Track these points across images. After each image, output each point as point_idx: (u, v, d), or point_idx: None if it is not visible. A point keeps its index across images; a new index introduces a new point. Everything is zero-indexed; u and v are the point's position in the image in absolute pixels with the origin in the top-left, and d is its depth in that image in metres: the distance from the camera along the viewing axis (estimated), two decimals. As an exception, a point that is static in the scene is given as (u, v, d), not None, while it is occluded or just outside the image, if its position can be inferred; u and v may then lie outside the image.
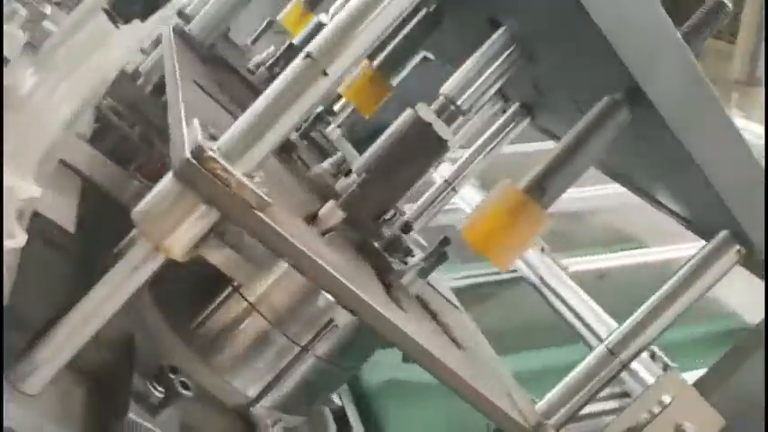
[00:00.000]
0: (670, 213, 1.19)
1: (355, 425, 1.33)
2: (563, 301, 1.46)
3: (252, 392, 1.04)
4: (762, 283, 1.03)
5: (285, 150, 1.19)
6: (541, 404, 1.03)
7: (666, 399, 0.99)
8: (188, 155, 0.71)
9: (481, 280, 1.59)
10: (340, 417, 1.33)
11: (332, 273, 0.81)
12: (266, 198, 0.74)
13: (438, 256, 1.10)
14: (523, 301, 1.57)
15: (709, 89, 0.84)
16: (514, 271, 1.61)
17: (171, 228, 0.74)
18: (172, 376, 0.85)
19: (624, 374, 1.14)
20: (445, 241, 1.11)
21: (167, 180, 0.74)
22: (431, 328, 1.06)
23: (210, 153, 0.71)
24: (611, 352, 1.02)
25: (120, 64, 0.68)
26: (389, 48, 1.37)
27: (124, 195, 0.86)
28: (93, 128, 1.10)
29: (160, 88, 1.41)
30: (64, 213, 0.78)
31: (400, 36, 1.37)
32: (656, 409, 1.00)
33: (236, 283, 1.02)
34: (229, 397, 1.03)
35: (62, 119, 0.66)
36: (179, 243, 0.74)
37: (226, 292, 1.04)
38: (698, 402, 1.00)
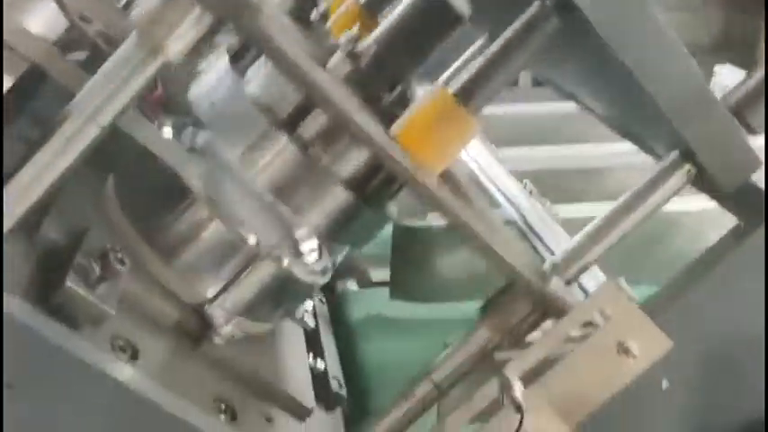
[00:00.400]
0: (629, 137, 1.18)
1: (327, 344, 1.36)
2: (546, 247, 1.46)
3: (210, 293, 1.09)
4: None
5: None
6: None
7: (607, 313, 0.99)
8: None
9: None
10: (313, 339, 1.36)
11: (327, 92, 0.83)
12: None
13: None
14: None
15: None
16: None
17: (169, 29, 0.78)
18: (113, 251, 0.89)
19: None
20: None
21: None
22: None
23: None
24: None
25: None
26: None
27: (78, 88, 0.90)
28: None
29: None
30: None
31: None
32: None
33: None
34: (187, 295, 1.08)
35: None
36: (176, 44, 0.78)
37: (189, 200, 1.09)
38: (641, 320, 1.00)
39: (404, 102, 1.09)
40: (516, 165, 1.81)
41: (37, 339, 0.84)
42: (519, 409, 0.99)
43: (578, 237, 1.04)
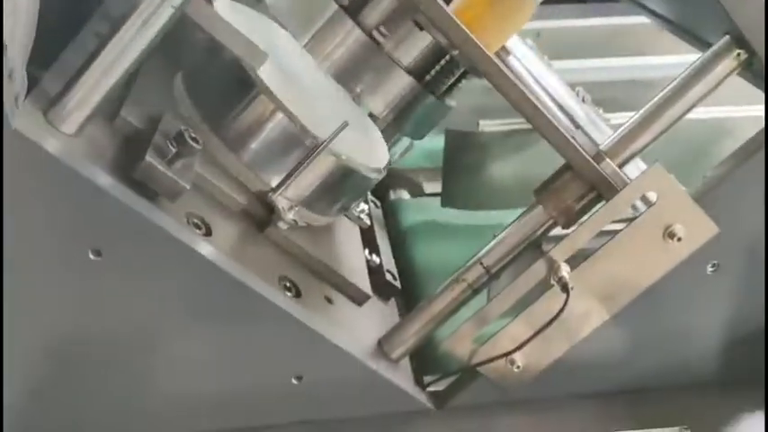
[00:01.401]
0: (672, 27, 1.19)
1: (381, 243, 1.43)
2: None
3: (274, 182, 1.16)
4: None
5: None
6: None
7: (652, 197, 1.03)
8: None
9: (521, 127, 1.64)
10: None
11: None
12: None
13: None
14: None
15: None
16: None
17: None
18: (186, 131, 0.96)
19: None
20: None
21: None
22: None
23: None
24: (605, 155, 1.05)
25: None
26: None
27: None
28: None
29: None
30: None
31: None
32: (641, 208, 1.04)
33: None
34: (253, 184, 1.16)
35: None
36: None
37: (253, 92, 1.15)
38: (688, 204, 1.03)
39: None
40: (567, 77, 1.81)
41: (122, 209, 0.92)
42: (565, 288, 1.04)
43: (628, 123, 1.06)
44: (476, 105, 1.69)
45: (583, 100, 1.61)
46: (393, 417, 1.16)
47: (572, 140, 1.01)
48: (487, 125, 1.62)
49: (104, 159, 0.95)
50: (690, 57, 1.99)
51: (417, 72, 1.15)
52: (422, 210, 1.72)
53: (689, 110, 1.04)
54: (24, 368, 0.98)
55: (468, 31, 0.94)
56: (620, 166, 1.05)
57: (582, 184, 1.04)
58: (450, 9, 0.95)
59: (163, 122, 1.01)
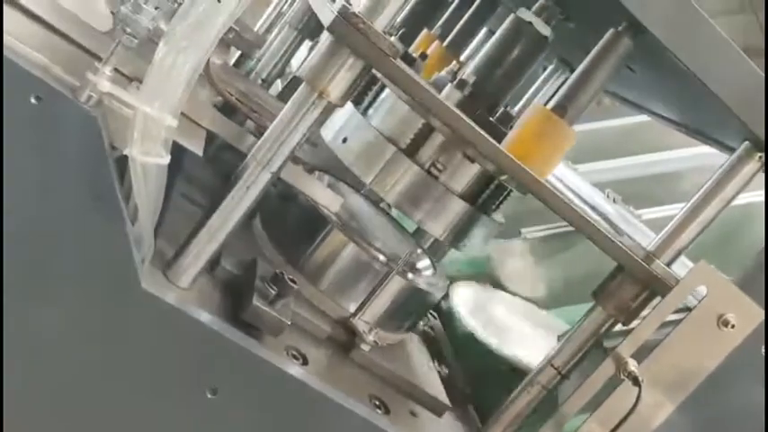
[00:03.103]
0: (689, 131, 1.33)
1: (447, 352, 1.53)
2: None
3: (352, 308, 1.28)
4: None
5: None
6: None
7: (702, 291, 1.13)
8: (336, 13, 0.94)
9: (560, 231, 1.76)
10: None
11: (459, 114, 1.04)
12: (398, 46, 0.97)
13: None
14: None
15: (696, 11, 1.01)
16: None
17: (330, 75, 0.98)
18: (282, 275, 1.09)
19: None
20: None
21: (322, 38, 0.99)
22: None
23: (353, 10, 0.94)
24: (654, 256, 1.17)
25: (223, 30, 0.93)
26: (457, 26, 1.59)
27: (242, 145, 1.12)
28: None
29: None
30: (194, 143, 1.05)
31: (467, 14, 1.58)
32: (692, 303, 1.14)
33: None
34: (334, 311, 1.27)
35: (186, 73, 0.92)
36: (337, 87, 0.98)
37: (326, 228, 1.29)
38: (735, 293, 1.13)
39: (506, 121, 1.27)
40: (592, 177, 1.96)
41: (235, 348, 1.03)
42: (636, 381, 1.13)
43: (669, 226, 1.18)
44: (513, 213, 1.83)
45: (614, 201, 1.74)
46: None
47: (623, 246, 1.13)
48: (530, 232, 1.75)
49: (214, 306, 1.07)
50: (704, 149, 2.13)
51: (470, 196, 1.29)
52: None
53: (723, 208, 1.16)
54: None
55: (520, 163, 1.07)
56: (669, 264, 1.16)
57: (635, 284, 1.15)
58: (502, 147, 1.09)
59: (260, 267, 1.13)
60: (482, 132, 1.06)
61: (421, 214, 1.26)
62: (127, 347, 1.00)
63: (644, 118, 2.49)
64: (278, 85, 1.90)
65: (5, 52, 0.88)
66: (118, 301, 0.98)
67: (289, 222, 1.35)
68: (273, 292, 1.09)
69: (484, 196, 1.31)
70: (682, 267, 1.24)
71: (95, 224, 0.93)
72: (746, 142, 1.13)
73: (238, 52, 1.87)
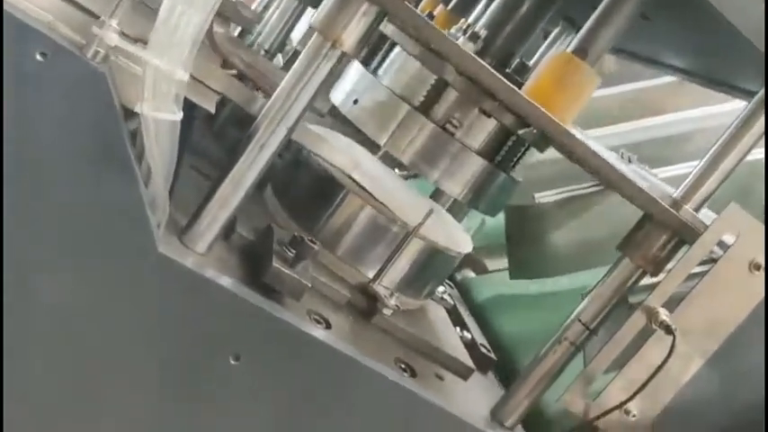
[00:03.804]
0: (713, 84, 1.30)
1: (467, 318, 1.50)
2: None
3: (371, 273, 1.25)
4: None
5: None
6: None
7: (730, 239, 1.10)
8: None
9: (575, 194, 1.73)
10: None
11: (479, 61, 1.01)
12: None
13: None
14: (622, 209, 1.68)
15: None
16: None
17: (344, 23, 0.95)
18: (301, 237, 1.06)
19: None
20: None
21: None
22: None
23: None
24: (680, 202, 1.14)
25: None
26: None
27: (253, 108, 1.09)
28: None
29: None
30: (206, 101, 1.02)
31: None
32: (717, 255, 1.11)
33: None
34: (353, 277, 1.24)
35: (192, 29, 0.89)
36: (351, 36, 0.95)
37: (342, 193, 1.25)
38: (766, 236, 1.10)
39: (523, 72, 1.24)
40: (603, 142, 1.92)
41: (257, 312, 1.00)
42: (669, 330, 1.10)
43: (694, 173, 1.15)
44: (526, 179, 1.80)
45: (629, 160, 1.70)
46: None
47: (650, 193, 1.09)
48: (543, 196, 1.71)
49: (232, 271, 1.04)
50: (710, 109, 2.10)
51: (487, 153, 1.26)
52: (492, 285, 1.80)
53: (748, 152, 1.13)
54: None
55: (544, 110, 1.04)
56: (696, 211, 1.13)
57: (663, 232, 1.12)
58: (525, 88, 1.06)
59: (277, 232, 1.10)
60: (503, 79, 1.02)
61: (438, 173, 1.22)
62: (145, 315, 0.97)
63: (647, 83, 2.48)
64: (279, 60, 1.87)
65: (7, 8, 0.84)
66: (134, 266, 0.95)
67: (301, 190, 1.31)
68: (292, 255, 1.06)
69: (502, 153, 1.28)
70: (704, 219, 1.22)
71: (108, 186, 0.90)
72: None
73: (239, 28, 1.84)
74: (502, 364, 1.46)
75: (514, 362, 1.47)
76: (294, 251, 1.06)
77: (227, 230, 1.11)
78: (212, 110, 1.02)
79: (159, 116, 0.87)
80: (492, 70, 1.02)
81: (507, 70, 1.22)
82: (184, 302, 0.98)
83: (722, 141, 1.15)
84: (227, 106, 1.58)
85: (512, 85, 1.03)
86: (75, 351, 0.95)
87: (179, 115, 0.90)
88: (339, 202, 1.25)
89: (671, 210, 1.09)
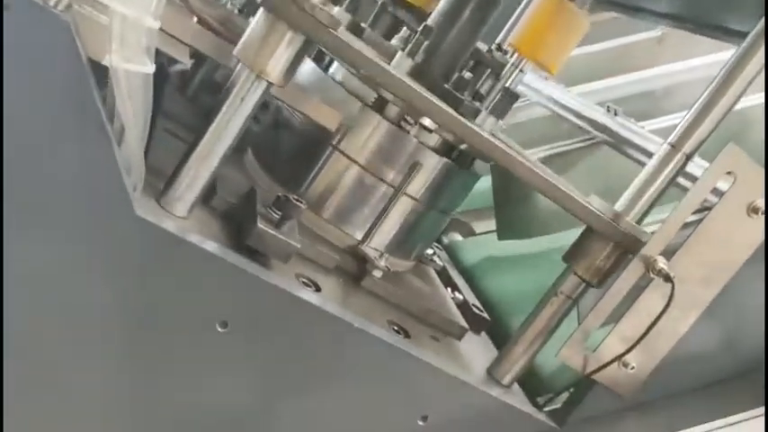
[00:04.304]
0: (704, 29, 1.27)
1: (458, 280, 1.47)
2: (643, 151, 1.54)
3: (359, 235, 1.20)
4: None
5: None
6: (618, 204, 1.14)
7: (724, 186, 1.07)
8: None
9: (566, 149, 1.70)
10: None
11: (406, 82, 0.95)
12: (336, 17, 0.89)
13: (511, 96, 1.22)
14: (609, 163, 1.66)
15: None
16: (591, 138, 1.71)
17: (268, 54, 0.90)
18: (286, 197, 1.01)
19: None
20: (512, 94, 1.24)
21: (258, 16, 0.90)
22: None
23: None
24: (674, 146, 1.11)
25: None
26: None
27: (229, 61, 1.03)
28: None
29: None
30: (179, 51, 0.96)
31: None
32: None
33: (334, 142, 1.19)
34: (340, 240, 1.20)
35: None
36: (277, 67, 0.90)
37: (327, 153, 1.20)
38: (764, 179, 1.07)
39: (462, 87, 1.22)
40: (587, 99, 1.89)
41: (242, 276, 0.95)
42: (668, 278, 1.07)
43: (685, 118, 1.11)
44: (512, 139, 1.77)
45: (615, 113, 1.68)
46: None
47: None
48: (530, 154, 1.68)
49: (214, 235, 0.99)
50: (692, 61, 2.07)
51: (444, 151, 1.23)
52: (479, 248, 1.76)
53: (744, 90, 1.09)
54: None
55: (472, 126, 1.02)
56: (691, 154, 1.10)
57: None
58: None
59: (259, 194, 1.05)
60: (436, 101, 0.99)
61: (392, 173, 1.19)
62: (124, 283, 0.92)
63: (630, 39, 2.44)
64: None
65: (-42, -45, 0.77)
66: (110, 231, 0.89)
67: (283, 152, 1.26)
68: (278, 216, 1.01)
69: (458, 150, 1.25)
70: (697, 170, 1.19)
71: (78, 145, 0.84)
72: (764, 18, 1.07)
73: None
74: (494, 327, 1.43)
75: (506, 323, 1.43)
76: (279, 212, 1.01)
77: (208, 194, 1.05)
78: (186, 61, 0.96)
79: (130, 68, 0.81)
80: (424, 93, 1.00)
81: (447, 84, 1.18)
82: (165, 269, 0.93)
83: (715, 84, 1.11)
84: (201, 70, 1.52)
85: (445, 107, 1.01)
86: (49, 320, 0.89)
87: (151, 68, 0.84)
88: (324, 161, 1.20)
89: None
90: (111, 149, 0.85)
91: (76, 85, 0.81)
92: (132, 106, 0.85)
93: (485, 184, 1.74)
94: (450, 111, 1.00)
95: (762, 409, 1.22)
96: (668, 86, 2.05)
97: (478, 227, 1.92)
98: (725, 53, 1.93)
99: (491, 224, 1.84)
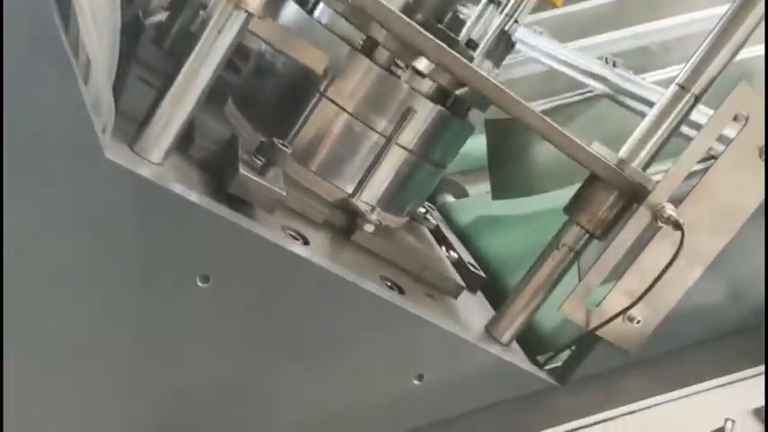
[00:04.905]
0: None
1: (452, 238, 1.41)
2: (643, 100, 1.49)
3: (349, 188, 1.13)
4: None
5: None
6: (622, 151, 1.08)
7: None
8: None
9: (562, 102, 1.64)
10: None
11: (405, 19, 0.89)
12: None
13: (507, 40, 1.15)
14: (608, 116, 1.60)
15: None
16: (590, 91, 1.65)
17: None
18: (270, 142, 0.94)
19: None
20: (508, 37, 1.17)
21: None
22: None
23: None
24: (683, 87, 1.04)
25: None
26: None
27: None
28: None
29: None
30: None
31: None
32: (732, 133, 1.02)
33: (321, 89, 1.11)
34: (329, 193, 1.13)
35: None
36: None
37: (314, 100, 1.13)
38: (777, 119, 1.01)
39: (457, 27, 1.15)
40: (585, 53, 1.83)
41: (224, 225, 0.88)
42: (677, 225, 1.01)
43: (701, 47, 1.05)
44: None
45: (614, 65, 1.61)
46: (518, 401, 1.11)
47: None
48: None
49: (193, 183, 0.92)
50: (681, 17, 2.01)
51: (438, 98, 1.16)
52: (473, 208, 1.70)
53: (749, 34, 1.03)
54: (147, 406, 0.93)
55: (474, 67, 0.94)
56: (699, 96, 1.04)
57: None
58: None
59: (241, 141, 0.98)
60: (431, 38, 0.92)
61: (384, 122, 1.12)
62: (95, 234, 0.85)
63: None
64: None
65: None
66: (78, 177, 0.82)
67: (266, 101, 1.18)
68: (261, 162, 0.94)
69: (453, 97, 1.18)
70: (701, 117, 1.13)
71: (39, 80, 0.76)
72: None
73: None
74: (489, 287, 1.37)
75: (502, 282, 1.38)
76: (263, 159, 0.94)
77: (185, 141, 0.98)
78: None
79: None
80: (419, 28, 0.92)
81: (440, 25, 1.11)
82: (139, 218, 0.86)
83: (724, 22, 1.05)
84: (177, 22, 1.43)
85: (442, 44, 0.94)
86: (20, 277, 0.82)
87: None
88: (311, 109, 1.12)
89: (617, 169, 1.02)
90: (76, 84, 0.77)
91: (34, 11, 0.73)
92: (98, 35, 0.77)
93: (477, 146, 1.68)
94: (449, 50, 0.93)
95: (762, 368, 1.18)
96: (665, 41, 1.99)
97: (471, 189, 1.86)
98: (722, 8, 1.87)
99: (483, 187, 1.78)
